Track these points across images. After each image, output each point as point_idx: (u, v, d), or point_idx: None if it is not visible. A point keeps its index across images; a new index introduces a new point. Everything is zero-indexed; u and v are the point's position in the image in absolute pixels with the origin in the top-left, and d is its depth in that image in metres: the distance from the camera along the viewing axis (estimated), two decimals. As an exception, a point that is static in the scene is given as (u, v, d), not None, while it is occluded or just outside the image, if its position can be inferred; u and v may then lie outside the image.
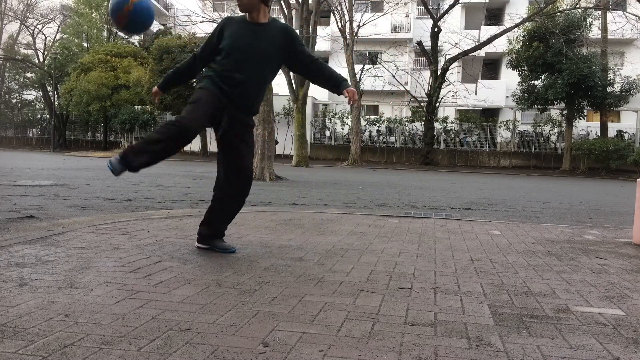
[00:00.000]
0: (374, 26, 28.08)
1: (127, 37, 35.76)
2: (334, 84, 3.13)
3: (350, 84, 3.12)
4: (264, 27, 3.05)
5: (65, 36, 34.50)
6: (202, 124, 2.94)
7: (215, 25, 3.24)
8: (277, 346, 1.67)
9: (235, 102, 3.02)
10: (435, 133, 26.18)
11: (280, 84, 22.89)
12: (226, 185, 3.14)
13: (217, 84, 2.99)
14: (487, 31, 28.14)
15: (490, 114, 29.09)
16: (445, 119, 27.20)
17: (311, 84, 22.27)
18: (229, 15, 3.24)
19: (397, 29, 32.01)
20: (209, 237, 3.20)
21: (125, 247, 3.14)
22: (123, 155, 2.85)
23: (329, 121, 28.71)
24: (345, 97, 3.03)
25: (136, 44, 32.22)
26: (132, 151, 2.86)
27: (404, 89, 26.87)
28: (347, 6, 24.21)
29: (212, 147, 27.74)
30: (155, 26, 37.92)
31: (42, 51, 34.64)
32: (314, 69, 3.18)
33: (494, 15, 32.29)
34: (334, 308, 2.11)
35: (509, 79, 28.30)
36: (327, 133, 29.17)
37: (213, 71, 3.03)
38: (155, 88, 3.27)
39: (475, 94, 29.35)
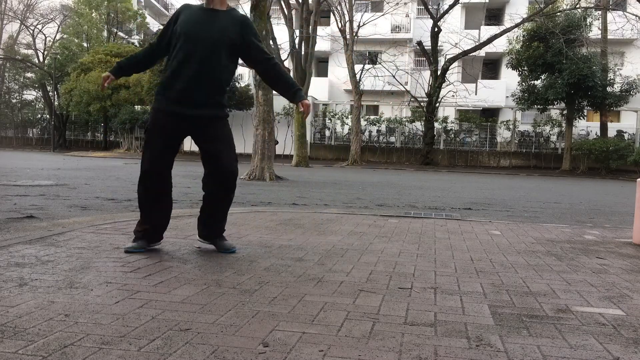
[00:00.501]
0: (374, 26, 28.06)
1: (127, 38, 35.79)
2: (289, 91, 3.08)
3: (303, 95, 3.09)
4: (218, 14, 2.98)
5: (65, 36, 34.48)
6: (160, 162, 2.99)
7: None
8: (277, 346, 1.67)
9: (190, 100, 2.94)
10: (435, 133, 26.15)
11: (280, 84, 22.83)
12: (211, 184, 3.12)
13: (167, 95, 2.94)
14: (487, 31, 28.12)
15: (490, 114, 29.08)
16: (445, 119, 27.18)
17: (311, 84, 22.34)
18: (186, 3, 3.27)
19: (397, 29, 31.99)
20: (208, 237, 3.21)
21: (125, 247, 3.14)
22: (138, 233, 3.07)
23: (329, 121, 28.69)
24: (300, 110, 3.02)
25: (136, 44, 32.23)
26: (140, 222, 3.09)
27: (404, 89, 26.85)
28: (347, 6, 24.21)
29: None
30: (155, 26, 37.98)
31: (42, 51, 34.62)
32: (269, 69, 3.11)
33: (494, 15, 32.28)
34: (334, 308, 2.11)
35: (509, 79, 28.28)
36: (327, 133, 29.15)
37: (164, 79, 2.98)
38: (106, 73, 3.17)
39: (475, 94, 29.33)
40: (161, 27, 34.11)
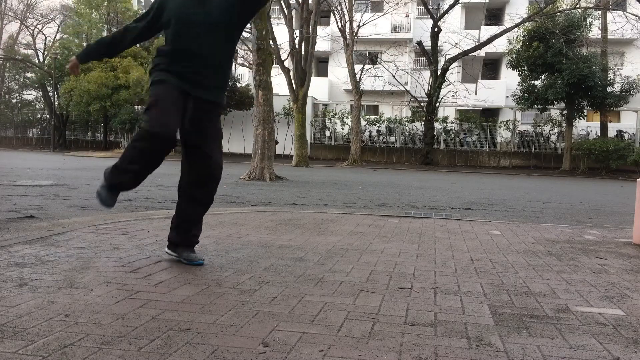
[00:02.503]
0: (374, 26, 28.06)
1: None
2: None
3: None
4: None
5: (65, 36, 34.46)
6: (174, 125, 2.64)
7: None
8: (277, 346, 1.67)
9: (195, 82, 2.72)
10: (435, 133, 26.15)
11: (280, 84, 22.87)
12: (195, 183, 2.84)
13: (171, 70, 2.70)
14: (487, 31, 28.10)
15: (490, 114, 29.07)
16: (445, 119, 27.18)
17: (311, 84, 22.33)
18: None
19: (397, 29, 31.98)
20: (177, 245, 2.87)
21: (125, 247, 3.14)
22: (108, 182, 2.71)
23: (329, 121, 28.68)
24: None
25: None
26: (115, 172, 2.71)
27: (404, 89, 26.85)
28: (347, 6, 24.20)
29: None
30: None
31: (42, 51, 34.61)
32: None
33: (494, 15, 32.27)
34: (334, 308, 2.11)
35: (509, 79, 28.28)
36: (327, 133, 29.14)
37: (162, 57, 2.75)
38: (73, 59, 2.88)
39: (475, 94, 29.32)
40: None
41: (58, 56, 32.04)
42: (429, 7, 25.14)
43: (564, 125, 25.38)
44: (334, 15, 25.33)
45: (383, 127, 28.23)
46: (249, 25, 13.47)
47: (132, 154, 2.67)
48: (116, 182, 2.73)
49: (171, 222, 2.93)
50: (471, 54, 25.04)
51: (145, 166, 2.71)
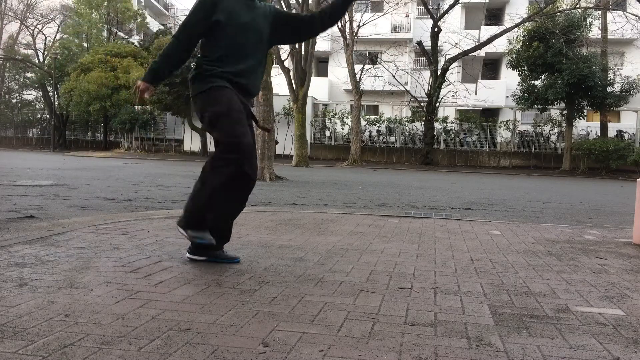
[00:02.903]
0: (374, 26, 28.06)
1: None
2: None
3: None
4: (254, 3, 2.83)
5: (65, 36, 34.47)
6: (250, 136, 2.72)
7: None
8: (277, 346, 1.67)
9: (247, 88, 2.78)
10: (435, 133, 26.15)
11: (280, 84, 22.87)
12: (239, 189, 2.83)
13: (226, 77, 2.69)
14: (487, 31, 28.11)
15: (490, 114, 29.07)
16: (445, 119, 27.18)
17: (311, 84, 22.31)
18: None
19: (397, 29, 31.98)
20: (217, 247, 2.87)
21: (125, 247, 3.14)
22: (187, 226, 2.74)
23: (329, 121, 28.68)
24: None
25: (136, 44, 32.22)
26: (195, 214, 2.73)
27: (404, 89, 26.85)
28: (347, 6, 24.17)
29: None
30: (155, 26, 37.96)
31: (42, 51, 34.62)
32: (318, 19, 2.93)
33: (494, 15, 32.27)
34: (334, 308, 2.11)
35: (509, 79, 28.28)
36: (327, 133, 29.14)
37: (212, 62, 2.70)
38: (140, 82, 2.79)
39: (475, 94, 29.32)
40: (161, 27, 34.05)
41: (58, 56, 32.04)
42: (429, 7, 25.13)
43: (564, 125, 25.38)
44: (334, 15, 25.27)
45: (383, 127, 28.22)
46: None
47: (215, 184, 2.70)
48: (200, 221, 2.75)
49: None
50: (471, 54, 25.04)
51: (226, 196, 2.78)
